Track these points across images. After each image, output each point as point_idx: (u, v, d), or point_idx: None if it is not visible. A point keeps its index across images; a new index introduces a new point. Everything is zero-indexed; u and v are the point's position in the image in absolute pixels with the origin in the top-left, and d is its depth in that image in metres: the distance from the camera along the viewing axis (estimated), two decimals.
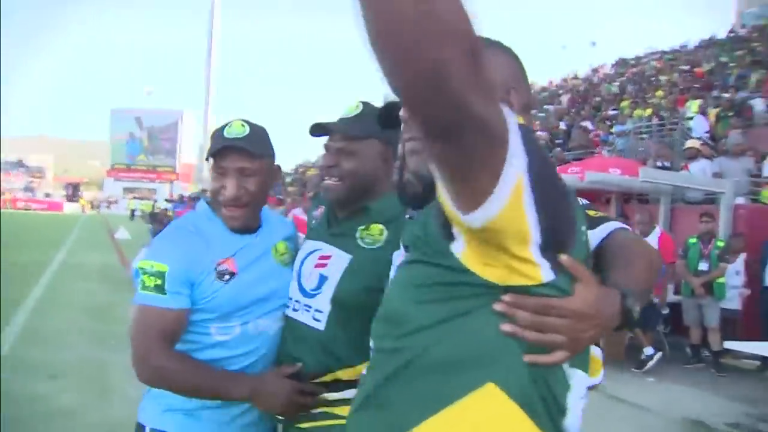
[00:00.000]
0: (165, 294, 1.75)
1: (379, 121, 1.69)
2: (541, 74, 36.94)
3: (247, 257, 1.89)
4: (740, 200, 8.56)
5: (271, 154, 1.93)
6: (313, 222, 2.07)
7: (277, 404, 1.78)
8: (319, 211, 2.06)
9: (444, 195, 1.03)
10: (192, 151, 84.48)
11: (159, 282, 1.76)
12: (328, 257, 1.87)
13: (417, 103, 0.89)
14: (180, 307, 1.77)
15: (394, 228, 1.82)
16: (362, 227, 1.87)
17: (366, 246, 1.84)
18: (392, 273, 1.32)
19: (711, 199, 8.89)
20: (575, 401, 1.10)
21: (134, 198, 55.23)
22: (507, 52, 1.34)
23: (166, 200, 33.26)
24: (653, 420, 5.60)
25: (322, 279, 1.85)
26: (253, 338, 1.87)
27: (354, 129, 1.87)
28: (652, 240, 7.10)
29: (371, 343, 1.25)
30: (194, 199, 14.74)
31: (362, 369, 1.70)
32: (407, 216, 1.77)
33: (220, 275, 1.81)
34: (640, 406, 5.81)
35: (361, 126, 1.86)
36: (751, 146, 10.12)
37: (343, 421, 1.67)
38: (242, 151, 1.83)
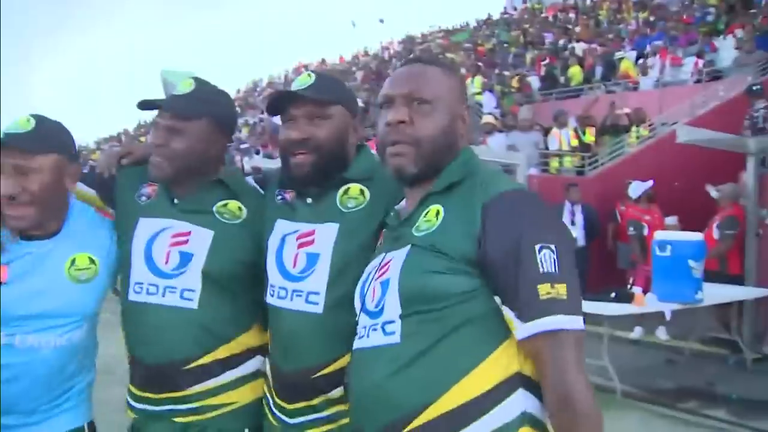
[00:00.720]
0: None
1: (269, 111, 1.76)
2: (332, 51, 37.43)
3: (27, 266, 1.74)
4: (533, 171, 9.41)
5: (60, 151, 1.76)
6: (143, 199, 1.92)
7: None
8: (150, 188, 1.93)
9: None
10: None
11: None
12: (186, 234, 1.82)
13: None
14: None
15: (249, 203, 1.87)
16: (219, 204, 1.86)
17: (227, 221, 1.84)
18: (394, 261, 1.42)
19: (507, 170, 9.67)
20: None
21: None
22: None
23: None
24: None
25: (186, 256, 1.80)
26: (20, 353, 1.71)
27: (186, 108, 1.82)
28: None
29: (396, 318, 1.38)
30: None
31: (241, 340, 1.81)
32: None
33: None
34: None
35: (194, 105, 1.81)
36: (536, 121, 11.14)
37: (230, 407, 1.78)
38: (16, 149, 1.68)
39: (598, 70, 14.53)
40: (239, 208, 1.87)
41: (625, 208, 8.12)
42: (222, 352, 1.80)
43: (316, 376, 1.65)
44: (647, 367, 6.49)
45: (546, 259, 1.29)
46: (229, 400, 1.81)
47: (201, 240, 1.81)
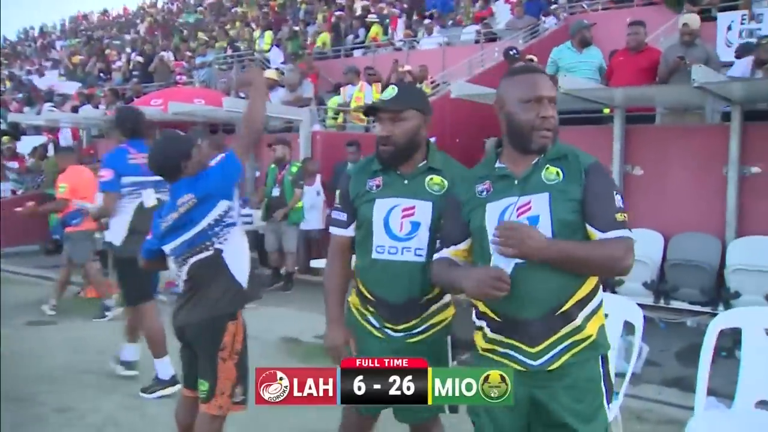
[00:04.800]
0: None
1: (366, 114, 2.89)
2: (115, 1, 34.53)
3: None
4: (317, 127, 9.19)
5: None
6: None
7: None
8: None
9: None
10: None
11: None
12: None
13: None
14: None
15: None
16: None
17: None
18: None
19: (289, 126, 9.39)
20: None
21: None
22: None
23: None
24: (252, 344, 5.67)
25: None
26: None
27: None
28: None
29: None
30: None
31: None
32: None
33: None
34: None
35: None
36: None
37: None
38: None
39: (362, 32, 14.68)
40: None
41: None
42: None
43: (421, 302, 2.43)
44: None
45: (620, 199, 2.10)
46: None
47: None
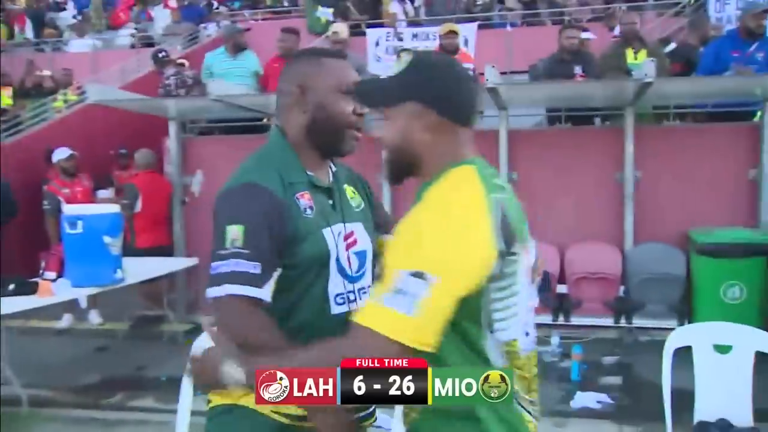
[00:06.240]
0: None
1: None
2: None
3: None
4: None
5: None
6: None
7: None
8: None
9: None
10: None
11: None
12: None
13: None
14: None
15: None
16: None
17: None
18: None
19: None
20: None
21: None
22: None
23: None
24: None
25: None
26: None
27: None
28: None
29: (371, 282, 1.69)
30: None
31: None
32: None
33: None
34: None
35: None
36: None
37: None
38: None
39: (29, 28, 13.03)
40: None
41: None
42: None
43: None
44: (73, 361, 5.67)
45: None
46: None
47: None
